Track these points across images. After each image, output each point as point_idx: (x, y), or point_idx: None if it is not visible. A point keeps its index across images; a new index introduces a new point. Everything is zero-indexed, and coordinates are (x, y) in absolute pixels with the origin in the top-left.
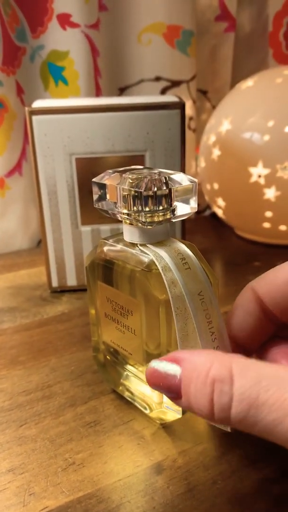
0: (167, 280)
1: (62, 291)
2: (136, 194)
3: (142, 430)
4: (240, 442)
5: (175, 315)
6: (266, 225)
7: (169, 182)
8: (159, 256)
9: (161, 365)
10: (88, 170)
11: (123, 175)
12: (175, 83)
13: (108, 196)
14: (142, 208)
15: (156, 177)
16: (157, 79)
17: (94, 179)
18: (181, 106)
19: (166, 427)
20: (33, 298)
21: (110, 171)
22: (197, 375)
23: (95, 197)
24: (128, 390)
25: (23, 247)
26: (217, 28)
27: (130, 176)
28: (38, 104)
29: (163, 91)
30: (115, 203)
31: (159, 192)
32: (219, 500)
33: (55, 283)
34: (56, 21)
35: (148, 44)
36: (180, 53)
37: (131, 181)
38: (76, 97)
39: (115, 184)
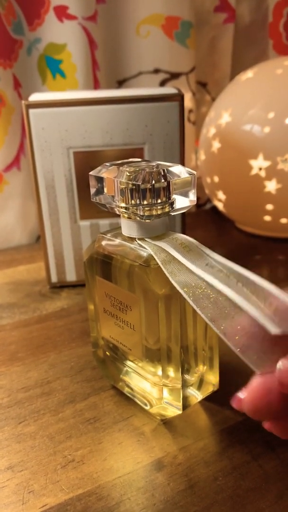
0: (168, 272)
1: (62, 286)
2: (134, 187)
3: (142, 427)
4: (241, 438)
5: (192, 301)
6: (267, 218)
7: (167, 174)
8: (158, 249)
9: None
10: (86, 163)
11: (121, 168)
12: (174, 75)
13: (105, 190)
14: (140, 201)
15: (154, 169)
16: (156, 71)
17: (91, 173)
18: (180, 97)
19: (166, 423)
20: (32, 294)
21: (107, 164)
22: None
23: (92, 190)
24: (128, 386)
25: (22, 243)
26: (216, 19)
27: (127, 169)
28: (35, 97)
29: (162, 84)
30: (113, 196)
31: (157, 185)
32: (220, 497)
33: (54, 279)
34: (53, 13)
35: (146, 36)
36: (179, 45)
37: (128, 174)
38: (74, 90)
39: (112, 177)
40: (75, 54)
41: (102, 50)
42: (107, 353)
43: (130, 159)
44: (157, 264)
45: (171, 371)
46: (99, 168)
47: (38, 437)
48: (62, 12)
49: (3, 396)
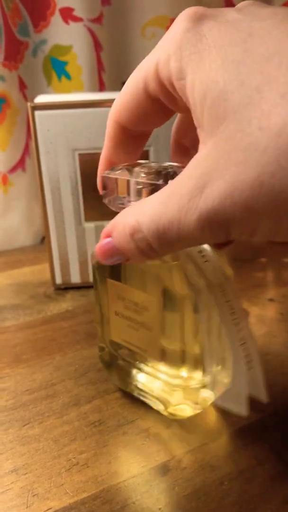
0: (187, 273)
1: (66, 288)
2: (154, 187)
3: (147, 430)
4: (247, 442)
5: (199, 308)
6: None
7: None
8: None
9: (102, 244)
10: (91, 165)
11: (135, 168)
12: None
13: (118, 191)
14: None
15: (173, 169)
16: None
17: (103, 174)
18: None
19: (171, 427)
20: (36, 295)
21: (116, 167)
22: (123, 236)
23: (103, 192)
24: (138, 388)
25: (26, 244)
26: None
27: (142, 170)
28: (40, 99)
29: None
30: (125, 197)
31: None
32: (226, 502)
33: (58, 280)
34: (58, 15)
35: (151, 37)
36: None
37: (144, 175)
38: (79, 92)
39: (127, 178)
40: (81, 56)
41: (108, 51)
42: (117, 356)
43: (139, 161)
44: (176, 263)
45: (189, 371)
46: (107, 171)
47: (43, 439)
48: (67, 14)
49: (8, 398)
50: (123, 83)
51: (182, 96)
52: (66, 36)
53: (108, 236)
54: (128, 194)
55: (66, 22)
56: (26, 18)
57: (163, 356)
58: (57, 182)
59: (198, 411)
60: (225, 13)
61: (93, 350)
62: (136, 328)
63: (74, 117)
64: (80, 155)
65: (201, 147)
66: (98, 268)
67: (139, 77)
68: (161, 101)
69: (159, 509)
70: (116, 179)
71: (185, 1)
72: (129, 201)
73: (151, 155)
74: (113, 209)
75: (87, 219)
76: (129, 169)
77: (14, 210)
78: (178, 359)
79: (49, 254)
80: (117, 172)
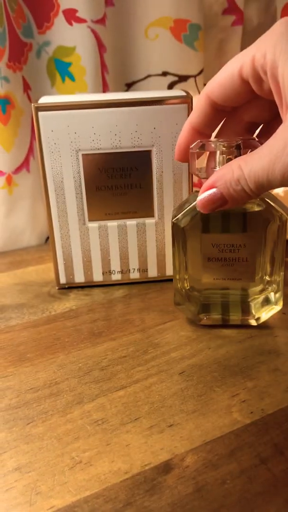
0: (279, 205)
1: (70, 287)
2: (239, 154)
3: (150, 428)
4: (250, 441)
5: None
6: None
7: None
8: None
9: (205, 195)
10: (95, 166)
11: (216, 144)
12: (182, 78)
13: (196, 164)
14: None
15: (239, 141)
16: (164, 74)
17: (192, 150)
18: (188, 100)
19: (173, 425)
20: (41, 295)
21: (195, 144)
22: (229, 183)
23: (192, 166)
24: (223, 315)
25: (31, 244)
26: (224, 21)
27: (222, 143)
28: (44, 100)
29: (170, 86)
30: (211, 168)
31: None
32: (228, 501)
33: (63, 280)
34: (62, 16)
35: (155, 38)
36: (188, 48)
37: (225, 148)
38: (83, 93)
39: (213, 150)
40: (84, 57)
41: (111, 53)
42: (196, 297)
43: (199, 140)
44: (264, 206)
45: (276, 278)
46: (193, 148)
47: (46, 438)
48: (71, 15)
49: (12, 397)
50: (127, 85)
51: (271, 81)
52: (70, 37)
53: (211, 187)
54: (216, 164)
55: (70, 23)
56: (30, 19)
57: (257, 275)
58: (61, 183)
59: (277, 310)
60: None
61: (96, 349)
62: (231, 264)
63: (77, 118)
64: (83, 155)
65: (287, 118)
66: (191, 229)
67: (237, 63)
68: (249, 84)
69: (161, 507)
70: (202, 152)
71: (188, 3)
72: (214, 169)
73: (154, 156)
74: (201, 177)
75: (91, 219)
76: (208, 144)
77: (19, 210)
78: (266, 274)
79: (53, 254)
80: (199, 150)
